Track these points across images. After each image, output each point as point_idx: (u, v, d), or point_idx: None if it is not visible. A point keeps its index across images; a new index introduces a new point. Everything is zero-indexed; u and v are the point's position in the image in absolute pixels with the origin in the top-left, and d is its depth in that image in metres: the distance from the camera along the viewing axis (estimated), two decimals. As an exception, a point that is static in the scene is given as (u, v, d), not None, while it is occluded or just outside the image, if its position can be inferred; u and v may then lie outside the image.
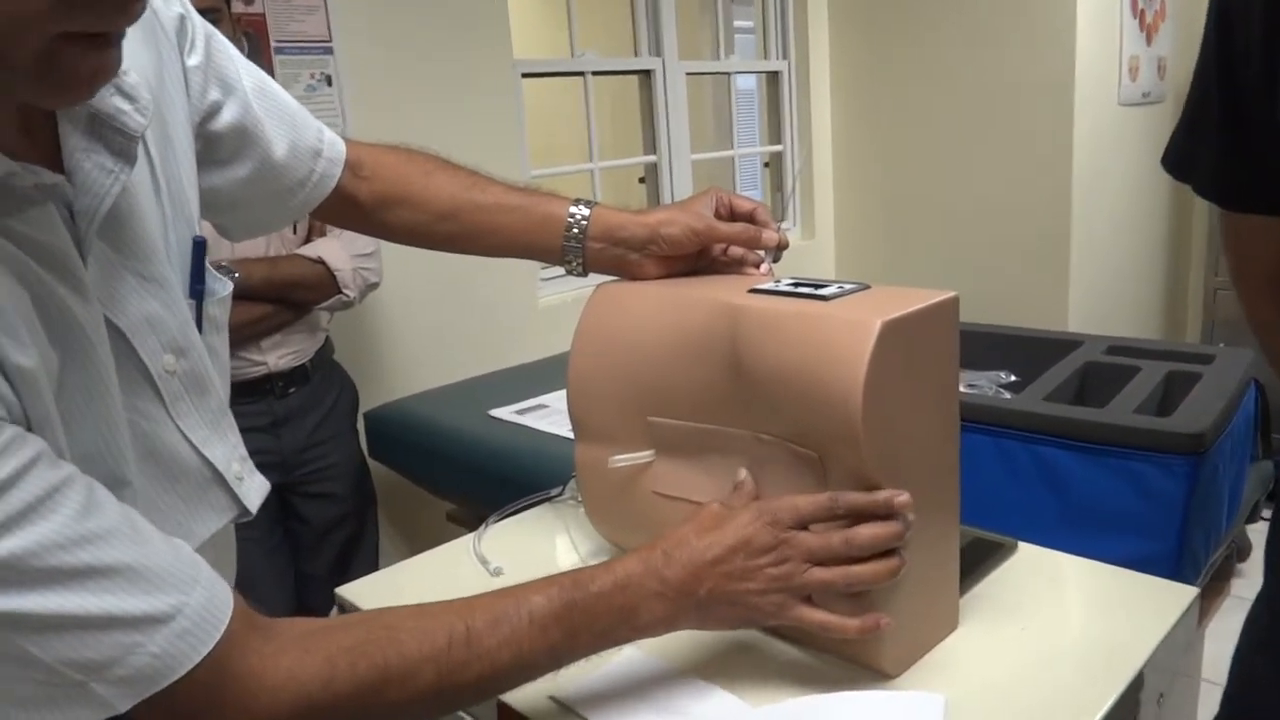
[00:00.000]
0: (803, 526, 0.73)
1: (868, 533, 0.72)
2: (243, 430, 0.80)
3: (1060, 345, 1.85)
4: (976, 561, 0.95)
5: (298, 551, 1.89)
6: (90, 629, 0.52)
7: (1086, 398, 1.67)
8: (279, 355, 1.77)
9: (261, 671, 0.59)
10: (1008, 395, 1.67)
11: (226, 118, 0.81)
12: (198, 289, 0.75)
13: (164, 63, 0.72)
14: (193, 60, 0.76)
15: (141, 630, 0.53)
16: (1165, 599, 0.88)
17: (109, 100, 0.61)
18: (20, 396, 0.53)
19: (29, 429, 0.53)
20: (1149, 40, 3.35)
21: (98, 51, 0.51)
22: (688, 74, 3.13)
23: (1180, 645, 0.86)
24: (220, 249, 1.64)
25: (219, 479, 0.74)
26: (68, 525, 0.51)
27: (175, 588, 0.56)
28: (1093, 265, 3.21)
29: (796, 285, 0.83)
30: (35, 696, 0.52)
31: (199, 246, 0.75)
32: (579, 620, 0.69)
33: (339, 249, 1.78)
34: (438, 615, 0.66)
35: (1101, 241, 3.25)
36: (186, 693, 0.55)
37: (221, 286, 0.78)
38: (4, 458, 0.49)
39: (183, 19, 0.75)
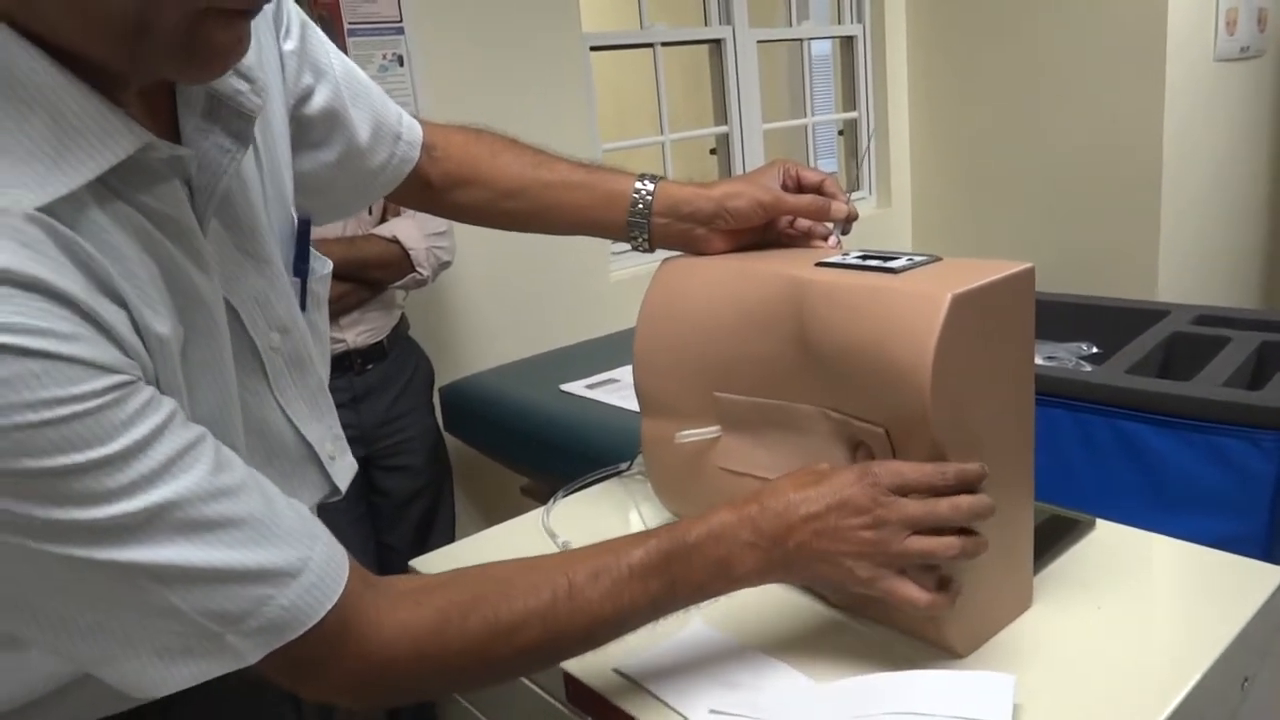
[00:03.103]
0: (903, 494, 0.70)
1: (972, 500, 0.70)
2: None
3: (1145, 315, 1.78)
4: (1052, 539, 0.93)
5: (378, 523, 1.95)
6: (227, 581, 0.54)
7: (1172, 370, 1.61)
8: (357, 332, 1.81)
9: (378, 624, 0.61)
10: (1088, 367, 1.62)
11: (318, 102, 0.82)
12: (302, 267, 0.77)
13: (263, 47, 0.73)
14: (288, 45, 0.78)
15: (273, 583, 0.55)
16: (1253, 580, 0.85)
17: (228, 81, 0.63)
18: (155, 362, 0.56)
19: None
20: (1248, -9, 3.18)
21: (234, 26, 0.53)
22: (759, 41, 3.09)
23: (1269, 628, 0.83)
24: (299, 229, 1.68)
25: (313, 457, 0.76)
26: (204, 479, 0.53)
27: (301, 542, 0.58)
28: (1185, 232, 3.08)
29: (865, 258, 0.82)
30: (173, 647, 0.54)
31: (304, 225, 0.78)
32: (677, 571, 0.69)
33: (413, 228, 1.81)
34: (543, 569, 0.67)
35: (1194, 206, 3.12)
36: (310, 644, 0.57)
37: (322, 265, 0.81)
38: (144, 416, 0.51)
39: (279, 3, 0.77)
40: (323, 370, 0.79)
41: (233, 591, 0.54)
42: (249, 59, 0.63)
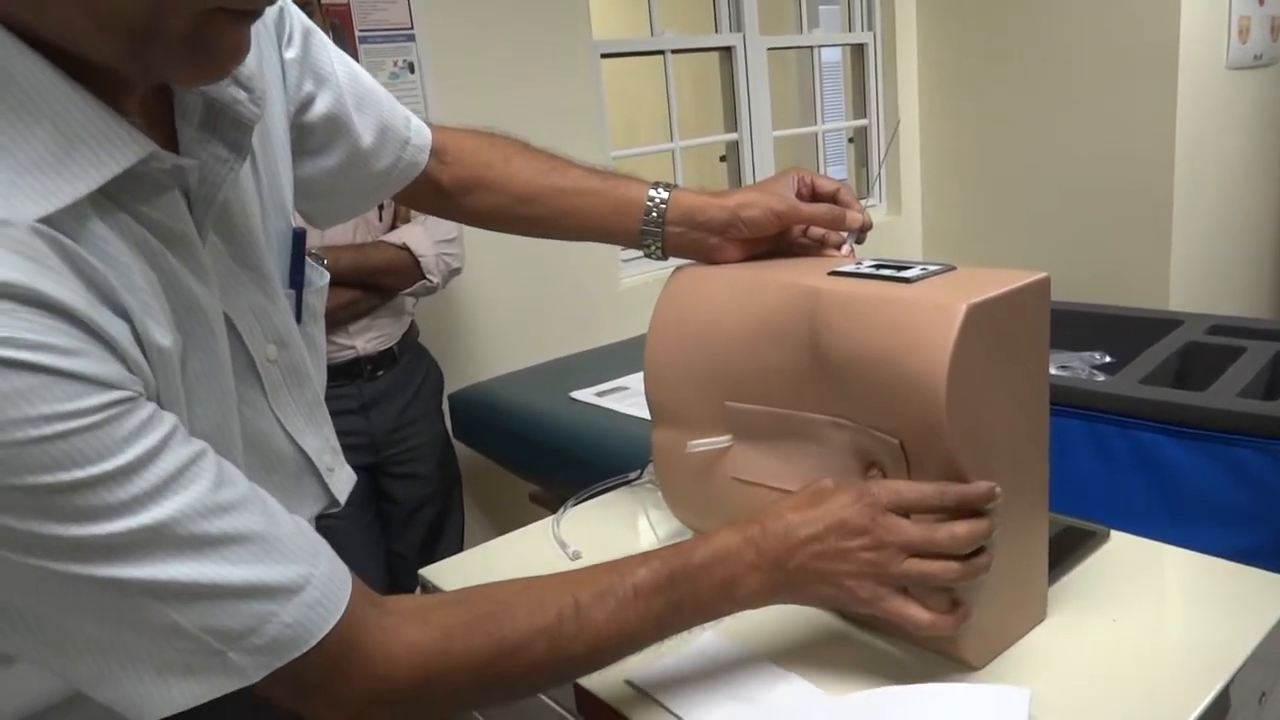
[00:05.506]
0: (903, 513, 0.71)
1: (970, 528, 0.69)
2: (334, 413, 0.82)
3: (1159, 325, 1.77)
4: (1067, 550, 0.92)
5: (387, 531, 1.95)
6: (230, 597, 0.53)
7: (1187, 380, 1.60)
8: (367, 339, 1.81)
9: (382, 643, 0.60)
10: (1102, 377, 1.61)
11: (319, 109, 0.82)
12: (298, 279, 0.77)
13: (263, 56, 0.73)
14: (290, 53, 0.78)
15: (276, 600, 0.55)
16: (1270, 592, 0.84)
17: (226, 90, 0.62)
18: (155, 375, 0.55)
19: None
20: (1261, -1, 3.17)
21: (240, 26, 0.53)
22: (769, 49, 3.09)
23: (1286, 642, 0.82)
24: (309, 236, 1.68)
25: (311, 469, 0.76)
26: (206, 495, 0.53)
27: (304, 559, 0.57)
28: (1197, 241, 3.07)
29: (879, 267, 0.82)
30: (174, 664, 0.53)
31: (299, 237, 0.77)
32: (682, 592, 0.69)
33: (423, 235, 1.81)
34: (547, 589, 0.67)
35: (1207, 215, 3.10)
36: (313, 664, 0.56)
37: (319, 276, 0.80)
38: (146, 432, 0.51)
39: (281, 11, 0.76)
40: (319, 383, 0.79)
41: (235, 608, 0.53)
42: (249, 67, 0.63)
